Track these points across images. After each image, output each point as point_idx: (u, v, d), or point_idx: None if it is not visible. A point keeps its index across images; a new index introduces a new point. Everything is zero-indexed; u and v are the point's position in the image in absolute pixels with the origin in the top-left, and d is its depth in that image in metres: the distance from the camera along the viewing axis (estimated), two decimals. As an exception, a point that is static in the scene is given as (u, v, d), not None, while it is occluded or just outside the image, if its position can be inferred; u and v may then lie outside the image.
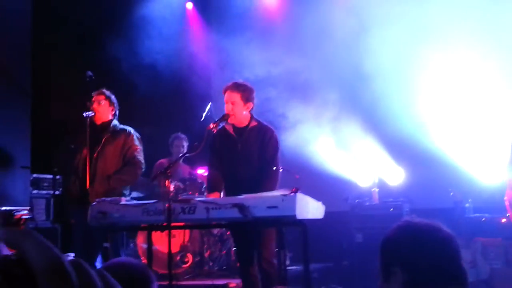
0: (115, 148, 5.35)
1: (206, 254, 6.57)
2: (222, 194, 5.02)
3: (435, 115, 7.57)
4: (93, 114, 5.35)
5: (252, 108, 4.93)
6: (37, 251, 0.81)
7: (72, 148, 5.45)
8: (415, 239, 1.73)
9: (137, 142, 5.46)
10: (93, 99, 5.43)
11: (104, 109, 5.43)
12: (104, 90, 5.53)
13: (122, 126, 5.51)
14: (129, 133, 5.46)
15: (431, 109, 7.56)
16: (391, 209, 7.40)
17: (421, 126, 7.54)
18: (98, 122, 5.41)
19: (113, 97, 5.56)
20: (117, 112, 5.57)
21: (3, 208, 6.26)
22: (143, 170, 5.51)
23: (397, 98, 7.54)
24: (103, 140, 5.33)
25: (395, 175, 7.94)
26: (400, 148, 7.63)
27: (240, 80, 5.03)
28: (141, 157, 5.44)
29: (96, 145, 5.29)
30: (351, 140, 7.93)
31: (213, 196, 4.76)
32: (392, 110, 7.51)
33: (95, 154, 5.26)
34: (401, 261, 1.72)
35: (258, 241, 4.76)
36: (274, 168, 4.83)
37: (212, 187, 4.93)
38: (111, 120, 5.48)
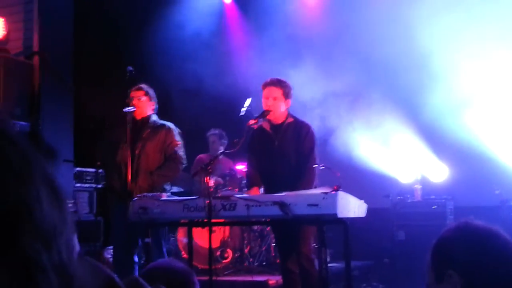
0: (156, 144, 5.36)
1: (246, 250, 6.56)
2: (261, 190, 4.98)
3: (481, 110, 7.36)
4: (133, 109, 5.36)
5: (289, 106, 4.90)
6: (89, 274, 0.79)
7: (114, 143, 5.48)
8: (475, 242, 1.65)
9: (177, 138, 5.46)
10: (132, 95, 5.42)
11: (144, 105, 5.44)
12: (143, 85, 5.50)
13: (162, 122, 5.51)
14: (170, 128, 5.45)
15: (476, 104, 7.36)
16: (434, 207, 7.25)
17: (466, 122, 7.35)
18: (139, 117, 5.42)
19: (151, 91, 5.54)
20: (157, 106, 5.56)
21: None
22: (185, 165, 5.51)
23: (442, 93, 7.37)
24: (144, 136, 5.34)
25: (438, 172, 7.77)
26: (444, 144, 7.46)
27: (280, 78, 4.98)
28: (182, 152, 5.43)
29: (137, 141, 5.30)
30: (393, 136, 7.79)
31: (253, 192, 4.74)
32: (436, 105, 7.34)
33: (137, 150, 5.28)
34: (458, 264, 1.64)
35: (297, 238, 4.73)
36: (314, 166, 4.78)
37: (251, 184, 4.93)
38: (151, 115, 5.48)
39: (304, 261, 4.70)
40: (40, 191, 0.70)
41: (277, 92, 4.82)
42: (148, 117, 5.46)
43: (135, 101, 5.37)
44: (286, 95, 4.84)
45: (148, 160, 5.30)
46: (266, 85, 4.89)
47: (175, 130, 5.50)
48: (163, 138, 5.39)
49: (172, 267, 1.85)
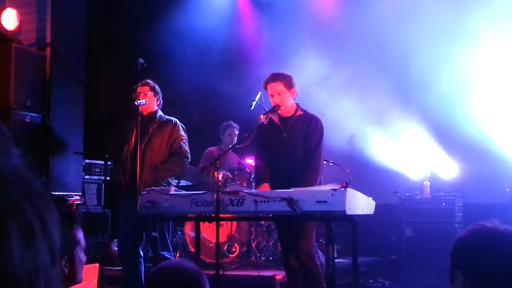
0: (162, 139, 5.41)
1: (253, 245, 6.56)
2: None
3: (491, 107, 7.32)
4: (145, 102, 5.39)
5: (296, 95, 4.88)
6: None
7: (120, 137, 5.50)
8: (485, 245, 1.64)
9: (182, 133, 5.52)
10: (138, 90, 5.45)
11: (150, 100, 5.45)
12: (149, 81, 5.52)
13: (167, 117, 5.55)
14: (175, 123, 5.51)
15: (487, 100, 7.32)
16: (443, 204, 7.22)
17: (476, 118, 7.30)
18: (145, 112, 5.44)
19: (157, 86, 5.55)
20: (161, 101, 5.57)
21: (57, 193, 6.42)
22: (189, 160, 5.56)
23: (452, 89, 7.32)
24: (150, 131, 5.37)
25: (448, 169, 7.72)
26: (454, 140, 7.41)
27: (276, 71, 4.96)
28: (187, 147, 5.50)
29: (144, 135, 5.34)
30: (403, 132, 7.75)
31: (263, 189, 4.72)
32: (446, 101, 7.30)
33: (143, 145, 5.30)
34: (465, 265, 1.65)
35: (298, 234, 4.70)
36: (321, 160, 4.76)
37: (260, 179, 4.89)
38: (157, 111, 5.51)
39: (304, 258, 4.67)
40: (13, 241, 0.66)
41: (279, 86, 4.79)
42: (154, 112, 5.49)
43: (141, 96, 5.41)
44: (289, 86, 4.81)
45: (154, 154, 5.35)
46: (266, 82, 4.85)
47: (180, 125, 5.56)
48: (169, 133, 5.44)
49: (181, 267, 1.84)
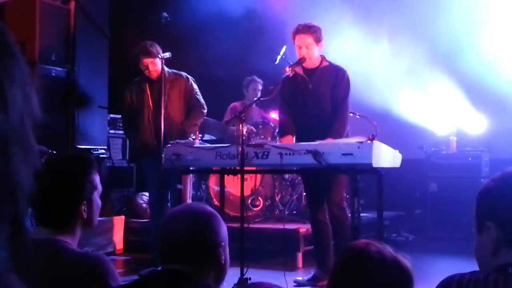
0: (178, 94, 5.49)
1: (277, 198, 6.58)
2: (294, 138, 4.96)
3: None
4: (169, 55, 5.36)
5: (322, 48, 4.83)
6: None
7: (135, 98, 5.53)
8: None
9: (195, 86, 5.59)
10: (144, 63, 5.36)
11: (157, 66, 5.40)
12: (149, 49, 5.36)
13: (175, 72, 5.56)
14: (186, 78, 5.56)
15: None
16: (469, 159, 7.14)
17: (505, 72, 7.13)
18: (155, 76, 5.43)
19: (157, 48, 5.42)
20: (165, 56, 5.43)
21: (82, 146, 6.48)
22: (206, 110, 5.65)
23: (479, 42, 7.14)
24: (165, 90, 5.38)
25: (475, 123, 7.59)
26: (482, 94, 7.25)
27: (306, 22, 4.86)
28: (202, 99, 5.60)
29: (161, 97, 5.33)
30: (430, 87, 7.61)
31: (286, 140, 4.72)
32: (474, 55, 7.13)
33: (162, 104, 5.28)
34: (496, 216, 1.59)
35: (329, 187, 4.71)
36: (348, 113, 4.73)
37: (284, 131, 4.89)
38: (163, 69, 5.47)
39: (335, 210, 4.71)
40: None
41: (308, 39, 4.73)
42: (162, 72, 5.44)
43: (150, 67, 5.37)
44: (318, 39, 4.76)
45: (174, 113, 5.42)
46: (296, 33, 4.79)
47: (190, 78, 5.60)
48: (183, 88, 5.51)
49: (190, 210, 1.82)
